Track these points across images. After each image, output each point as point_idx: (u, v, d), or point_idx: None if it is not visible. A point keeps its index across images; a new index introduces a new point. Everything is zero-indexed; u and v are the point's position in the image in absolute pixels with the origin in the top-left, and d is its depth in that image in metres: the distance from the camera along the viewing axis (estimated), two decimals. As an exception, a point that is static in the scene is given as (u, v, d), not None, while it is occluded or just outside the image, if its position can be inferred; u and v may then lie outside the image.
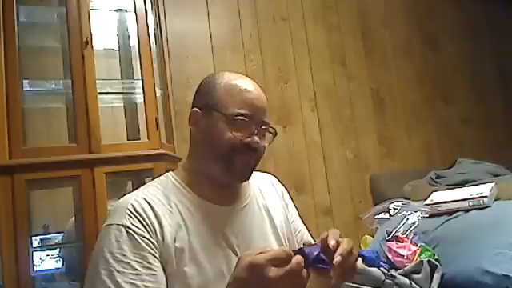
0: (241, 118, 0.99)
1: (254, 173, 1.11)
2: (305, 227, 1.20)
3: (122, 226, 0.90)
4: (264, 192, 1.14)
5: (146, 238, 0.89)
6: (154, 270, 0.87)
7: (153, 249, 0.89)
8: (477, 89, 3.19)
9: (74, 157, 1.68)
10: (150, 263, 0.87)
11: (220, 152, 0.98)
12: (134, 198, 0.96)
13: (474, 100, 3.16)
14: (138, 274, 0.85)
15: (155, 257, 0.89)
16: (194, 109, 1.04)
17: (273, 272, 0.74)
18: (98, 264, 0.87)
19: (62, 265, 1.83)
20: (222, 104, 1.00)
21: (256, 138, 0.99)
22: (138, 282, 0.84)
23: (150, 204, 0.95)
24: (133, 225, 0.90)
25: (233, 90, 1.02)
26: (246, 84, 1.04)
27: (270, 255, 0.75)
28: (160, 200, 0.97)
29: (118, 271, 0.85)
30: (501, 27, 3.34)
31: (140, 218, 0.91)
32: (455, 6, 3.24)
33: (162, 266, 0.89)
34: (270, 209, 1.11)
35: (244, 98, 1.01)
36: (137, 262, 0.86)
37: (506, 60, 3.29)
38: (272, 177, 1.24)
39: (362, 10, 2.90)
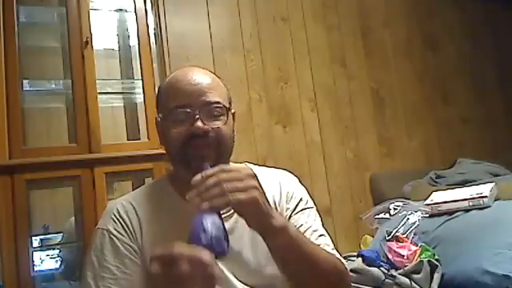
0: (176, 110, 0.95)
1: (262, 168, 1.10)
2: (315, 233, 1.01)
3: (106, 230, 0.95)
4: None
5: (126, 243, 0.93)
6: (132, 276, 0.91)
7: (133, 254, 0.93)
8: (477, 89, 3.19)
9: (74, 157, 1.68)
10: (128, 268, 0.91)
11: (174, 152, 0.97)
12: (122, 203, 1.00)
13: (474, 100, 3.16)
14: (116, 279, 0.90)
15: (135, 262, 0.92)
16: (156, 118, 1.04)
17: (153, 267, 0.69)
18: (86, 265, 0.93)
19: (60, 265, 1.82)
20: (162, 106, 1.00)
21: (198, 123, 0.92)
22: (115, 287, 0.89)
23: (134, 208, 0.98)
24: (116, 230, 0.95)
25: (168, 88, 1.00)
26: (181, 75, 0.99)
27: (159, 251, 0.70)
28: (146, 203, 0.99)
29: (100, 275, 0.90)
30: (501, 27, 3.33)
31: (123, 223, 0.95)
32: (455, 6, 3.24)
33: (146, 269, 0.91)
34: None
35: (176, 89, 0.97)
36: (116, 266, 0.91)
37: (506, 60, 3.29)
38: (285, 175, 1.12)
39: (362, 10, 2.90)
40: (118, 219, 0.96)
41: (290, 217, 1.03)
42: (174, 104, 0.95)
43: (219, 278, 0.75)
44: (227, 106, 0.99)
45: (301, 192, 1.09)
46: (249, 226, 0.83)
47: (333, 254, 0.98)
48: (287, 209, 1.03)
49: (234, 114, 1.04)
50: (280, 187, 1.07)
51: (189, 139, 0.93)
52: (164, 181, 1.06)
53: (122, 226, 0.95)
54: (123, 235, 0.94)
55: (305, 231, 0.99)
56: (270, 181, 1.06)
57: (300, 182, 1.14)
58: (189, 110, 0.94)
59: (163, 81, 1.05)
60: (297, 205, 1.05)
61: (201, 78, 0.98)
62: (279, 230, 0.83)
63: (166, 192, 1.02)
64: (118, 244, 0.93)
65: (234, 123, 1.02)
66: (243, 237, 0.96)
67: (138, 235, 0.94)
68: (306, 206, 1.06)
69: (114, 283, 0.89)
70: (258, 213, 0.81)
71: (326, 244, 1.00)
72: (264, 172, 1.09)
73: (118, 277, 0.89)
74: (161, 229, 0.95)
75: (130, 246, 0.93)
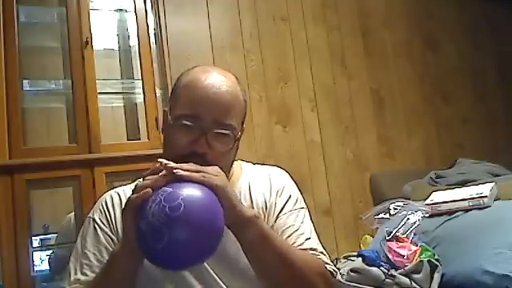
0: (183, 121, 0.89)
1: (254, 166, 1.09)
2: (302, 236, 0.97)
3: (92, 219, 0.98)
4: (254, 189, 1.01)
5: (107, 233, 0.95)
6: None
7: (111, 244, 0.94)
8: (477, 89, 3.19)
9: (73, 157, 1.68)
10: (103, 257, 0.92)
11: (170, 159, 0.91)
12: (111, 194, 1.02)
13: (474, 100, 3.16)
14: (90, 266, 0.92)
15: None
16: (164, 109, 1.00)
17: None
18: (73, 251, 0.97)
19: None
20: (174, 106, 0.94)
21: (201, 143, 0.87)
22: (89, 273, 0.91)
23: (121, 201, 0.99)
24: (99, 219, 0.98)
25: (186, 88, 0.93)
26: (204, 79, 0.92)
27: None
28: None
29: (79, 261, 0.93)
30: (501, 27, 3.33)
31: (107, 214, 0.98)
32: (455, 6, 3.24)
33: None
34: (255, 209, 0.97)
35: (193, 96, 0.91)
36: (93, 254, 0.93)
37: (506, 60, 3.28)
38: (275, 171, 1.08)
39: (362, 9, 2.90)
40: (103, 210, 0.99)
41: (278, 215, 0.98)
42: (185, 111, 0.90)
43: None
44: (238, 131, 0.94)
45: (291, 189, 1.04)
46: None
47: (318, 258, 0.94)
48: (275, 204, 0.99)
49: (243, 130, 0.99)
50: (270, 184, 1.03)
51: (189, 154, 0.87)
52: None
53: (106, 217, 0.97)
54: (105, 225, 0.96)
55: (291, 234, 0.95)
56: (260, 178, 1.04)
57: (292, 178, 1.10)
58: (195, 125, 0.88)
59: (185, 72, 1.00)
60: (286, 203, 1.00)
61: (223, 91, 0.91)
62: (250, 221, 0.81)
63: None
64: (100, 233, 0.95)
65: (239, 142, 0.97)
66: (229, 234, 0.86)
67: (119, 227, 0.95)
68: (296, 207, 1.01)
69: (89, 270, 0.91)
70: (229, 198, 0.79)
71: (311, 248, 0.95)
72: (254, 169, 1.08)
73: (93, 264, 0.92)
74: None
75: (109, 236, 0.95)
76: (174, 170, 0.77)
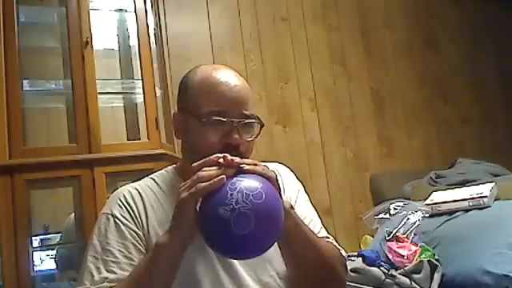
0: (214, 117, 0.91)
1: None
2: (317, 225, 1.04)
3: (111, 215, 0.94)
4: None
5: (131, 228, 0.92)
6: (134, 261, 0.89)
7: (137, 240, 0.92)
8: (477, 89, 3.19)
9: (73, 157, 1.68)
10: (130, 253, 0.90)
11: (202, 156, 0.90)
12: (128, 189, 0.99)
13: (474, 100, 3.16)
14: (117, 263, 0.88)
15: (138, 248, 0.91)
16: (174, 111, 1.01)
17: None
18: (87, 250, 0.92)
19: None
20: (194, 104, 0.95)
21: (235, 136, 0.91)
22: (117, 270, 0.87)
23: (141, 195, 0.97)
24: (121, 215, 0.94)
25: (204, 86, 0.95)
26: (219, 76, 0.96)
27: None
28: (154, 192, 0.98)
29: (101, 259, 0.89)
30: (501, 27, 3.33)
31: (129, 209, 0.94)
32: (455, 6, 3.24)
33: None
34: None
35: (216, 92, 0.93)
36: (119, 251, 0.90)
37: (505, 60, 3.28)
38: (280, 166, 1.13)
39: (362, 10, 2.90)
40: (123, 205, 0.95)
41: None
42: (213, 108, 0.92)
43: None
44: (261, 121, 0.98)
45: (297, 183, 1.11)
46: None
47: (334, 244, 1.01)
48: (290, 197, 1.04)
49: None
50: (281, 179, 1.05)
51: (221, 149, 0.88)
52: (171, 172, 1.04)
53: (128, 212, 0.94)
54: (129, 221, 0.93)
55: (308, 224, 0.98)
56: None
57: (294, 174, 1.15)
58: (227, 120, 0.91)
59: (191, 72, 1.02)
60: (297, 196, 1.06)
61: (240, 84, 0.96)
62: (288, 212, 0.84)
63: (174, 181, 0.99)
64: (123, 228, 0.92)
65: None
66: None
67: (144, 221, 0.93)
68: (305, 199, 1.08)
69: (116, 266, 0.87)
70: (279, 189, 0.82)
71: (326, 236, 1.03)
72: None
73: (120, 261, 0.88)
74: (166, 215, 0.92)
75: (134, 231, 0.92)
76: (241, 165, 0.79)
